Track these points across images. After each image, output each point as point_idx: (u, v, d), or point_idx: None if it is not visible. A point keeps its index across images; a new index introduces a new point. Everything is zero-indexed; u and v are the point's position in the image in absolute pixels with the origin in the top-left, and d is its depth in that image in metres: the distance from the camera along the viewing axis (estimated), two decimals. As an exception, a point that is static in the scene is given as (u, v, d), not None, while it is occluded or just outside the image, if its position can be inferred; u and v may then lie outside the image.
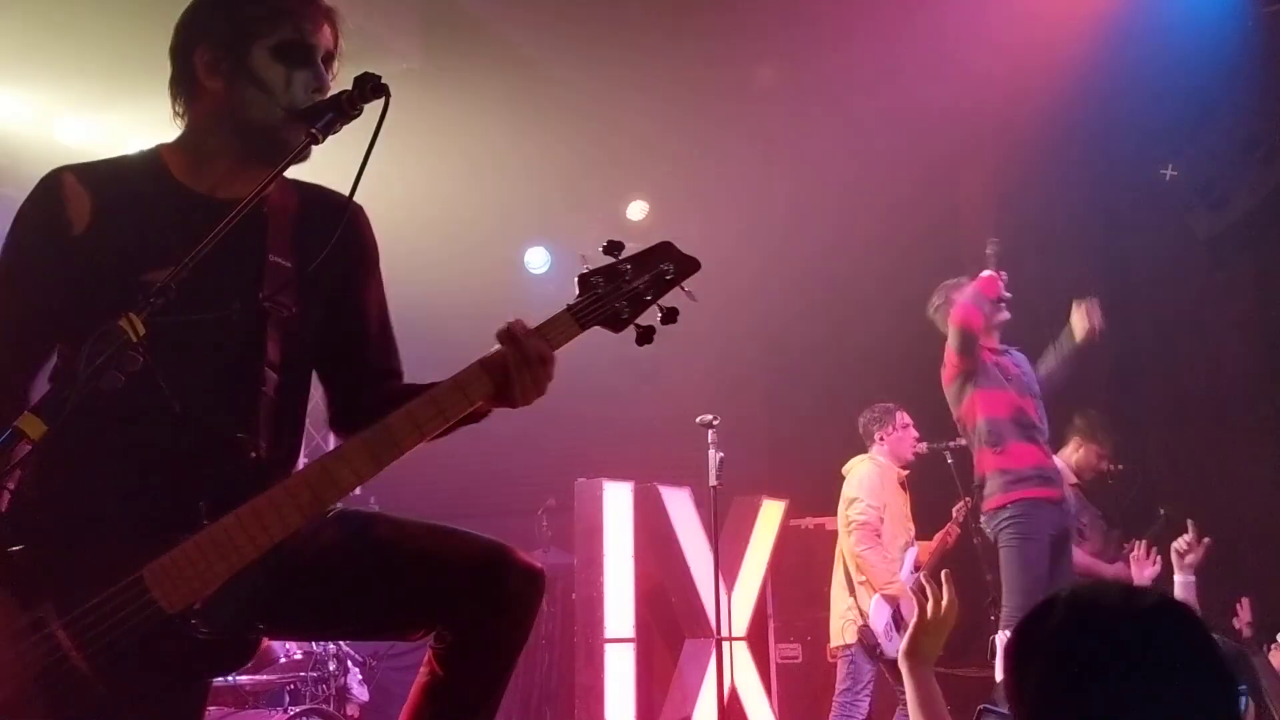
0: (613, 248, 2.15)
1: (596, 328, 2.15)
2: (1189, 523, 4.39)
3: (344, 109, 2.04)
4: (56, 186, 2.12)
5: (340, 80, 2.21)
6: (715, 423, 5.24)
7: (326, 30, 2.20)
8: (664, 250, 2.19)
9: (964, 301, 5.49)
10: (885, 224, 7.72)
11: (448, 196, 7.79)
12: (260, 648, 2.11)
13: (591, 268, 2.15)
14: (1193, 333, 7.33)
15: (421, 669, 2.30)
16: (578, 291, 2.15)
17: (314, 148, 2.07)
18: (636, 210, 8.52)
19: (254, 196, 1.95)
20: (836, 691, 5.96)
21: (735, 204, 8.32)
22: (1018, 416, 5.52)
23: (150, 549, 1.97)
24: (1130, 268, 7.70)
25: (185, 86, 2.19)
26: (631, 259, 2.16)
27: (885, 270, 7.81)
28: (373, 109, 2.05)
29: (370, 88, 2.03)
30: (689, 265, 2.19)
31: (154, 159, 2.21)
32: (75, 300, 2.05)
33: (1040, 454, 5.53)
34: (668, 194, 8.55)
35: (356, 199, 2.10)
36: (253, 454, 2.11)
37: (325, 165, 2.25)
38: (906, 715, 5.87)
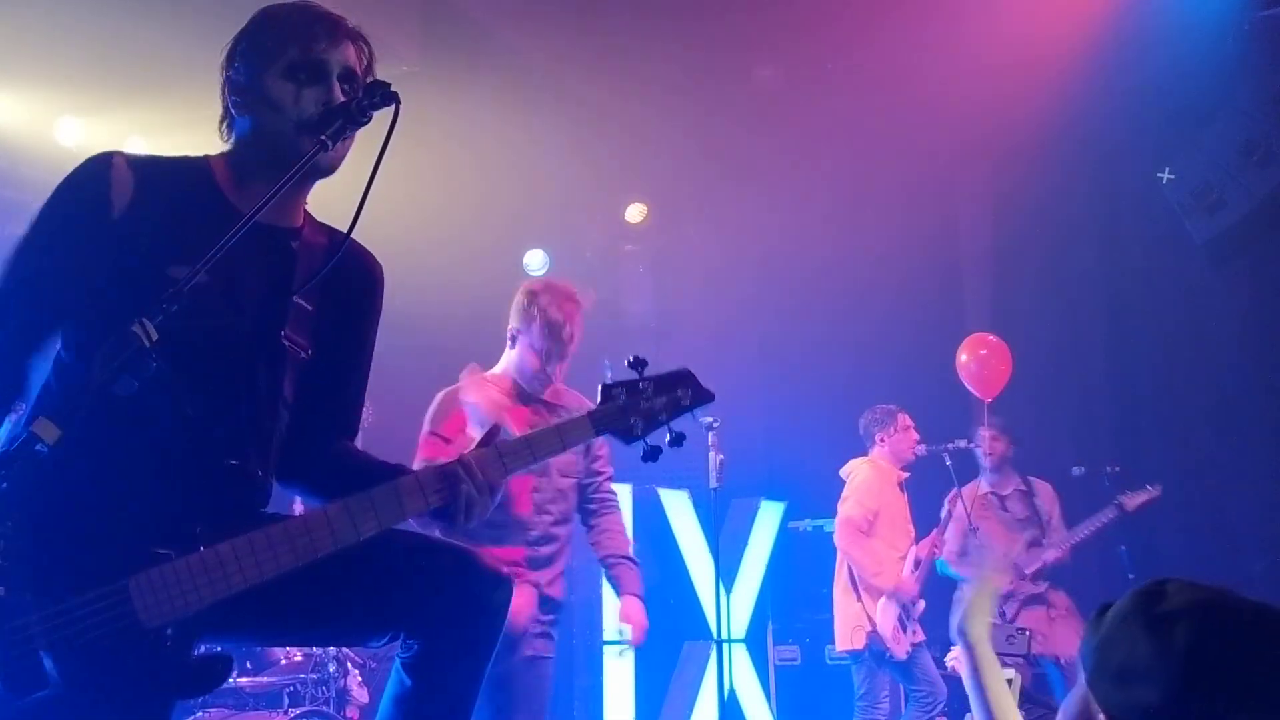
0: (637, 364, 2.33)
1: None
2: None
3: (353, 115, 2.05)
4: (106, 167, 2.12)
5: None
6: (716, 425, 5.23)
7: (346, 48, 2.20)
8: (684, 377, 2.40)
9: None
10: (885, 225, 7.73)
11: (446, 199, 7.77)
12: (227, 676, 2.08)
13: (616, 379, 2.34)
14: (1190, 336, 7.35)
15: (391, 678, 2.29)
16: (599, 399, 2.32)
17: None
18: (635, 213, 8.52)
19: (264, 203, 1.96)
20: (857, 696, 6.02)
21: (734, 206, 8.33)
22: None
23: (139, 560, 1.95)
24: (1127, 271, 7.72)
25: (224, 115, 2.25)
26: (654, 379, 2.36)
27: (885, 271, 7.82)
28: (382, 116, 2.06)
29: (380, 95, 2.04)
30: (704, 396, 2.40)
31: (202, 165, 2.23)
32: (97, 282, 2.04)
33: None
34: (666, 196, 8.55)
35: (363, 211, 2.12)
36: (257, 486, 2.15)
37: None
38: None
